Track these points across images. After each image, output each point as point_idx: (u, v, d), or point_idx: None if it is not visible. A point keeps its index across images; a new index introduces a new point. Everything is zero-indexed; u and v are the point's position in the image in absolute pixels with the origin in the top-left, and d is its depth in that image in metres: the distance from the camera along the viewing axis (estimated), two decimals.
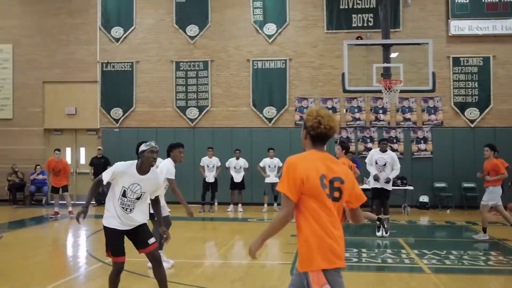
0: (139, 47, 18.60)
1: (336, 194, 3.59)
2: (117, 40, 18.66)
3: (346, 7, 17.71)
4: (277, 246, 10.26)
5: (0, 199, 18.43)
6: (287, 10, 17.99)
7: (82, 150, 19.21)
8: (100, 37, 18.75)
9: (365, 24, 17.64)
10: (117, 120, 18.55)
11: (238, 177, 16.23)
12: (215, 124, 18.19)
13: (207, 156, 16.22)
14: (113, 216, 5.68)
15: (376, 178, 11.48)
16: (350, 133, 17.61)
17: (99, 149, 17.83)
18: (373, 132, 17.55)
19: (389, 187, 11.64)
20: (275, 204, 16.28)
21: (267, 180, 16.17)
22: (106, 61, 18.64)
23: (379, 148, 11.92)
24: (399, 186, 15.83)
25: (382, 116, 17.57)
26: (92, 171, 17.55)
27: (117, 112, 18.57)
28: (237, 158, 16.33)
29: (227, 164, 16.43)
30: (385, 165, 11.48)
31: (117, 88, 18.55)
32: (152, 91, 18.51)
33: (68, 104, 18.86)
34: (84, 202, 5.80)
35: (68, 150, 19.03)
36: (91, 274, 7.93)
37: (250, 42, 18.17)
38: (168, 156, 8.02)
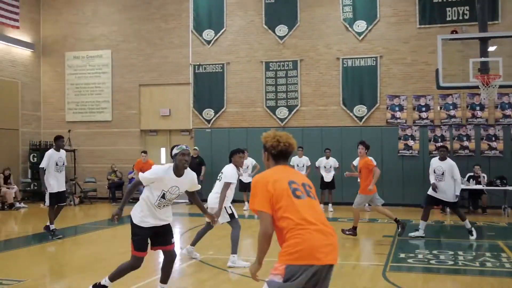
0: (229, 49, 18.95)
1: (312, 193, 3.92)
2: (208, 42, 19.11)
3: (440, 0, 17.09)
4: (369, 247, 10.08)
5: (101, 196, 19.50)
6: (377, 6, 17.62)
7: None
8: (192, 40, 19.30)
9: (460, 17, 16.92)
10: (209, 121, 19.00)
11: (328, 177, 16.13)
12: (305, 123, 18.17)
13: (297, 156, 16.25)
14: (148, 215, 5.90)
15: (434, 188, 10.97)
16: (445, 131, 16.96)
17: (195, 149, 18.32)
18: (470, 130, 16.79)
19: (450, 199, 11.03)
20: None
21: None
22: (198, 63, 19.16)
23: (438, 157, 11.34)
24: (498, 186, 15.03)
25: (479, 113, 16.77)
26: None
27: (209, 112, 19.02)
28: (327, 157, 16.23)
29: (317, 163, 16.38)
30: (443, 174, 10.93)
31: (208, 89, 19.01)
32: (243, 92, 18.79)
33: (162, 106, 19.58)
34: (120, 204, 6.08)
35: (163, 150, 19.72)
36: (185, 270, 8.17)
37: (340, 40, 17.97)
38: (230, 161, 8.40)
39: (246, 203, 16.56)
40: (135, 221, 5.96)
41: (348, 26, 17.86)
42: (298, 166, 16.15)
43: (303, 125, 18.13)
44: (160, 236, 6.04)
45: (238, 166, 8.33)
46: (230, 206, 8.34)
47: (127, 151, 19.58)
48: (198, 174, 17.79)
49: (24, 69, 20.03)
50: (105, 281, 6.07)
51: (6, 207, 16.38)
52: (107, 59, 20.14)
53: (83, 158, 19.88)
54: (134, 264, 6.02)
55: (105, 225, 13.32)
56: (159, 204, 5.89)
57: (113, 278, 6.07)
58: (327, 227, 3.76)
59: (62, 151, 11.23)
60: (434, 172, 11.08)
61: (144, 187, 6.03)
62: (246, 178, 16.47)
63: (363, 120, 17.64)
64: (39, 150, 19.27)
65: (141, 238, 5.93)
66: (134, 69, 19.85)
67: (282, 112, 18.34)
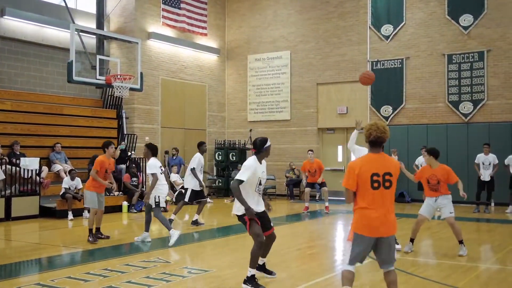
0: (409, 43, 18.31)
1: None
2: (387, 38, 18.67)
3: None
4: None
5: (279, 193, 20.11)
6: None
7: None
8: (370, 36, 19.02)
9: None
10: (386, 118, 18.56)
11: None
12: (492, 118, 16.84)
13: (483, 153, 15.12)
14: (251, 203, 6.56)
15: None
16: None
17: None
18: None
19: None
20: None
21: None
22: (376, 60, 18.82)
23: None
24: None
25: None
26: None
27: (387, 109, 18.59)
28: None
29: (506, 161, 15.07)
30: None
31: (387, 85, 18.57)
32: (423, 87, 18.03)
33: (339, 104, 19.61)
34: (246, 204, 6.51)
35: (340, 148, 19.73)
36: (361, 269, 8.04)
37: None
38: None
39: (510, 206, 15.24)
40: (238, 213, 6.70)
41: None
42: (484, 164, 15.03)
43: (490, 121, 16.82)
44: (262, 223, 6.76)
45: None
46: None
47: (305, 149, 19.85)
48: None
49: (210, 73, 21.46)
50: (249, 272, 6.61)
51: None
52: (286, 60, 20.72)
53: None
54: (260, 242, 6.64)
55: (283, 221, 13.69)
56: (259, 191, 6.77)
57: (253, 265, 6.63)
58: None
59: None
60: None
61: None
62: None
63: None
64: (224, 148, 20.49)
65: (256, 223, 6.64)
66: (312, 68, 20.15)
67: (466, 107, 17.21)
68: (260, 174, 6.72)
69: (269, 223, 6.90)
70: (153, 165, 9.87)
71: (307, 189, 15.29)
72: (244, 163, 6.74)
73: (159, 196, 9.84)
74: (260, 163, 6.79)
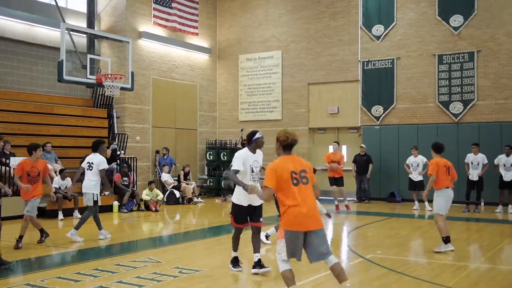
0: (400, 43, 18.39)
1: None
2: (378, 38, 18.73)
3: None
4: None
5: None
6: None
7: (344, 148, 19.78)
8: (361, 37, 19.07)
9: None
10: (377, 118, 18.62)
11: (508, 176, 14.84)
12: (482, 118, 16.95)
13: (472, 153, 15.21)
14: (244, 193, 7.14)
15: None
16: None
17: (361, 146, 18.12)
18: None
19: None
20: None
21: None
22: (367, 60, 18.87)
23: None
24: None
25: None
26: (355, 168, 17.95)
27: (378, 109, 18.65)
28: (508, 155, 14.94)
29: (495, 161, 15.16)
30: None
31: (378, 86, 18.64)
32: (414, 87, 18.11)
33: (330, 104, 19.65)
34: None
35: (331, 148, 19.72)
36: (352, 269, 8.08)
37: None
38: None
39: (415, 202, 15.94)
40: (235, 201, 7.44)
41: None
42: (473, 163, 15.12)
43: (480, 121, 16.92)
44: (253, 215, 7.43)
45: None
46: None
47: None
48: (365, 172, 17.66)
49: (201, 73, 21.44)
50: (233, 253, 7.64)
51: (185, 201, 17.62)
52: (278, 60, 20.74)
53: None
54: (238, 233, 7.57)
55: (275, 221, 13.65)
56: (253, 179, 7.31)
57: (235, 248, 7.63)
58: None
59: None
60: None
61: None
62: (416, 177, 15.88)
63: None
64: (215, 148, 20.48)
65: (240, 214, 7.40)
66: (303, 68, 20.18)
67: (456, 107, 17.31)
68: (251, 163, 7.34)
69: (258, 217, 7.45)
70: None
71: (334, 188, 15.48)
72: (235, 154, 7.48)
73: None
74: (254, 153, 7.43)
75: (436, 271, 7.72)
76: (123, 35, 17.58)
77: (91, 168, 10.34)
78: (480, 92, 17.06)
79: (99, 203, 10.54)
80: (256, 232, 7.50)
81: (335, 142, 15.91)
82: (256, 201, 7.35)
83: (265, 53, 21.02)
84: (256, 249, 7.41)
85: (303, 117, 20.18)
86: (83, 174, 10.51)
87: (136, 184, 16.89)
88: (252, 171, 7.36)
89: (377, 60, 18.72)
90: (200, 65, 21.40)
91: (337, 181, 15.44)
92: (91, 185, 10.34)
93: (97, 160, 10.41)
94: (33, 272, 7.81)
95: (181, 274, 7.38)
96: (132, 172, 16.73)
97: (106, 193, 14.46)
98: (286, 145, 5.79)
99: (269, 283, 7.04)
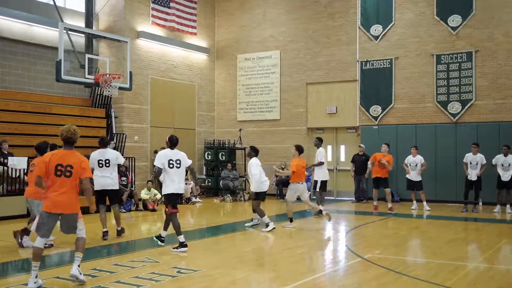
0: (398, 43, 18.40)
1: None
2: (376, 38, 18.74)
3: None
4: None
5: (268, 193, 20.00)
6: None
7: (342, 148, 19.80)
8: (360, 36, 19.08)
9: None
10: (376, 118, 18.64)
11: (506, 176, 14.85)
12: (480, 118, 16.97)
13: (471, 153, 15.22)
14: (173, 184, 9.07)
15: None
16: None
17: (360, 146, 18.13)
18: None
19: None
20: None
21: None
22: (365, 60, 18.88)
23: None
24: None
25: None
26: (353, 168, 17.97)
27: (376, 109, 18.66)
28: (506, 155, 14.96)
29: (493, 161, 15.18)
30: None
31: (376, 85, 18.65)
32: (412, 87, 18.12)
33: (329, 104, 19.65)
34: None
35: (329, 148, 19.77)
36: (350, 268, 8.09)
37: None
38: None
39: (414, 202, 15.94)
40: (164, 192, 9.17)
41: None
42: (471, 163, 15.11)
43: (478, 120, 16.94)
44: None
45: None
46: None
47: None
48: (364, 171, 17.66)
49: (200, 73, 21.43)
50: (163, 232, 9.40)
51: (183, 201, 17.60)
52: (276, 60, 20.74)
53: None
54: (175, 217, 9.19)
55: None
56: (175, 173, 9.10)
57: (165, 228, 9.39)
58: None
59: None
60: None
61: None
62: (415, 176, 15.86)
63: None
64: (213, 148, 20.47)
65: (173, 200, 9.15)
66: (302, 68, 20.18)
67: (455, 107, 17.33)
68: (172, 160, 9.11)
69: (176, 204, 9.22)
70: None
71: (375, 191, 15.38)
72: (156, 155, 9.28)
73: None
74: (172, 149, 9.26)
75: (434, 270, 7.72)
76: (121, 35, 17.58)
77: (108, 164, 10.44)
78: (478, 92, 17.07)
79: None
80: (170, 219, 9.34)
81: (385, 143, 15.63)
82: None
83: (264, 53, 21.02)
84: (165, 227, 9.44)
85: (302, 117, 20.18)
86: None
87: (134, 184, 16.87)
88: (176, 167, 9.32)
89: (376, 60, 18.72)
90: (199, 65, 21.39)
91: (381, 182, 15.23)
92: (116, 181, 10.66)
93: (113, 155, 10.66)
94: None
95: (179, 274, 7.37)
96: (130, 172, 16.71)
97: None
98: (63, 140, 6.66)
99: (269, 283, 7.03)
